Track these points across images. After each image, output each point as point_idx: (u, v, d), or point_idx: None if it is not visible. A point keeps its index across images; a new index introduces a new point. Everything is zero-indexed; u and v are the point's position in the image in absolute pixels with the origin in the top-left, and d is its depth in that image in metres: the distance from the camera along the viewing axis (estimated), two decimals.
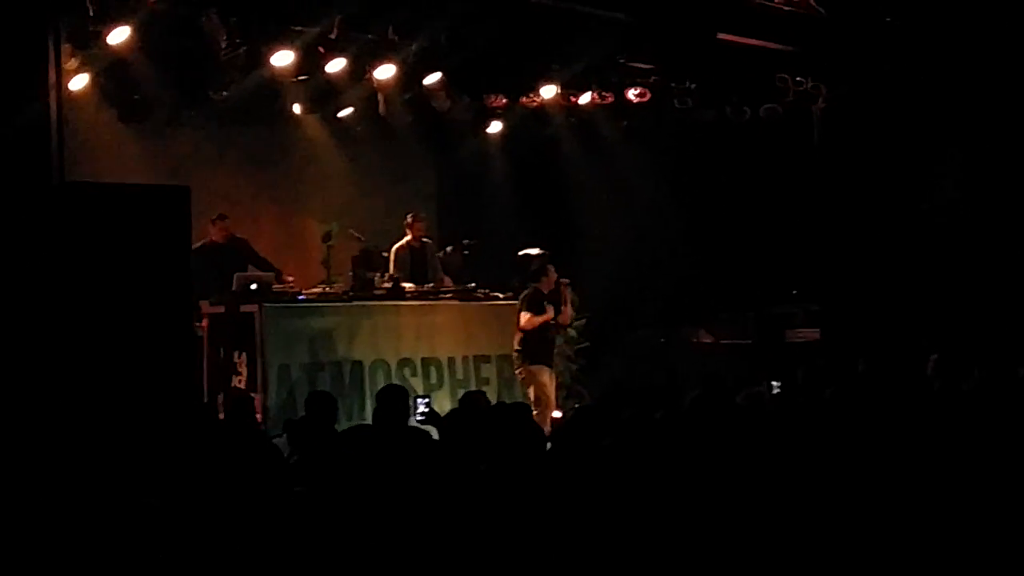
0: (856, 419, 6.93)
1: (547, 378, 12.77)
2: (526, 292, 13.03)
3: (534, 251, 14.37)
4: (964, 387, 8.65)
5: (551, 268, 13.07)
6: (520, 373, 12.86)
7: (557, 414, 12.43)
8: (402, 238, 13.88)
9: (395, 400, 8.13)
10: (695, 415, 7.22)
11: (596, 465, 5.51)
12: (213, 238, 13.26)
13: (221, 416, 11.49)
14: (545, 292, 12.92)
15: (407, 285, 13.32)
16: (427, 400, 9.58)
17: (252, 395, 11.52)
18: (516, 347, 12.90)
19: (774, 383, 9.19)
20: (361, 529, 5.48)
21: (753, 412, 7.81)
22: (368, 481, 6.04)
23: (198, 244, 12.74)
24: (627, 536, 4.88)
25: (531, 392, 12.69)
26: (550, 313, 12.85)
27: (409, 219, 13.96)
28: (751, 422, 7.13)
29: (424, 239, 14.05)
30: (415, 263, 13.78)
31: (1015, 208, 13.68)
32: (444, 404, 11.44)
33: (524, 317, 12.81)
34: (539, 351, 12.81)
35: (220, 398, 12.11)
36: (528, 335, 12.80)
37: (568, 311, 13.19)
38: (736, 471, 5.61)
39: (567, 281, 13.18)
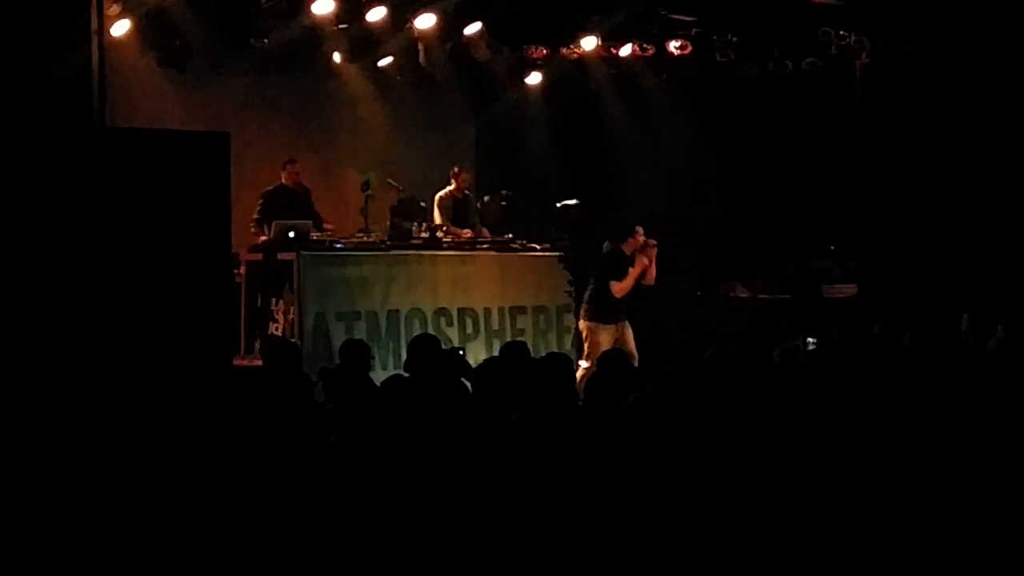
0: (887, 379, 6.91)
1: (605, 337, 12.33)
2: (607, 251, 12.76)
3: (572, 202, 14.38)
4: (990, 346, 8.59)
5: (639, 229, 12.67)
6: (582, 328, 12.77)
7: (584, 364, 12.24)
8: (445, 187, 13.95)
9: (427, 349, 8.19)
10: (711, 373, 7.21)
11: (617, 421, 5.52)
12: (284, 181, 13.41)
13: (259, 363, 11.64)
14: (628, 253, 12.60)
15: (460, 231, 13.47)
16: (462, 352, 9.61)
17: (295, 342, 11.64)
18: (584, 302, 12.73)
19: (810, 339, 9.16)
20: (393, 477, 5.52)
21: (774, 371, 7.79)
22: (401, 429, 6.08)
23: (270, 187, 13.23)
24: (643, 499, 4.90)
25: (586, 347, 12.55)
26: (629, 279, 12.54)
27: (456, 169, 14.12)
28: (772, 381, 7.12)
29: (466, 191, 14.14)
30: (457, 212, 13.88)
31: None
32: (479, 355, 11.49)
33: (615, 286, 12.47)
34: (603, 309, 12.50)
35: (257, 345, 12.22)
36: (595, 290, 12.60)
37: (654, 272, 12.74)
38: (757, 430, 5.61)
39: (655, 243, 12.74)
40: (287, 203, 13.15)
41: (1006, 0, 13.40)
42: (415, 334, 12.29)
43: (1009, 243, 13.51)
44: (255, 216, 12.93)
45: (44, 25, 8.59)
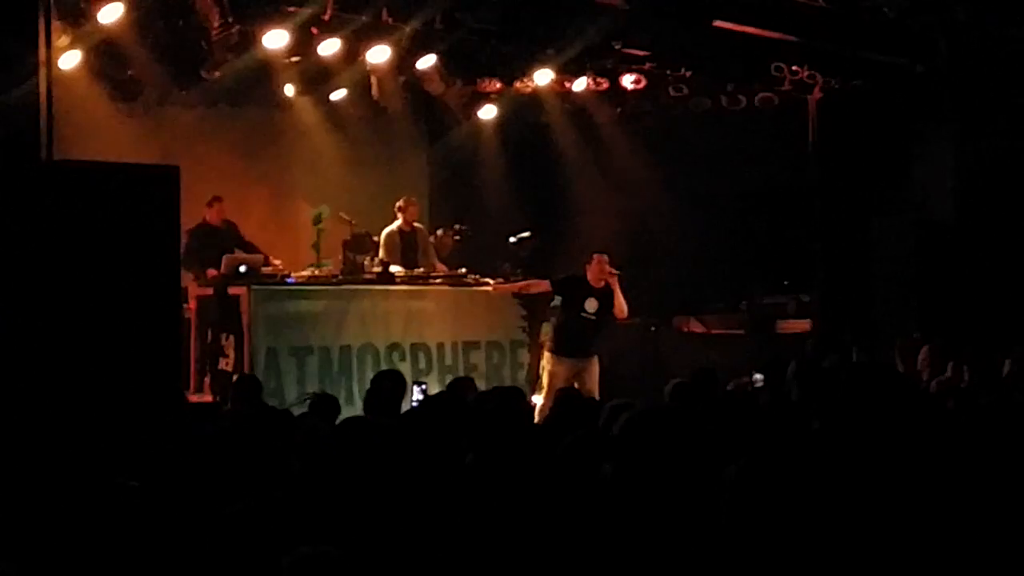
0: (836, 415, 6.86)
1: (559, 370, 12.23)
2: (567, 276, 12.71)
3: (525, 235, 14.36)
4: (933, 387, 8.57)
5: (596, 257, 12.47)
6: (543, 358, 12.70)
7: (537, 399, 12.07)
8: (393, 222, 13.81)
9: (390, 385, 8.11)
10: (674, 406, 7.16)
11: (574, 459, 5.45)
12: (208, 219, 13.24)
13: (209, 398, 11.53)
14: (591, 281, 12.39)
15: (397, 270, 13.26)
16: (423, 387, 9.52)
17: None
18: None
19: (757, 376, 9.10)
20: (345, 515, 5.43)
21: (736, 406, 7.74)
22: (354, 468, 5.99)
23: (193, 225, 12.87)
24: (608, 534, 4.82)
25: (544, 379, 12.48)
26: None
27: (401, 203, 13.87)
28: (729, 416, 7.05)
29: (416, 224, 13.98)
30: (405, 248, 13.72)
31: (1008, 200, 13.66)
32: (433, 390, 11.38)
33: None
34: (559, 341, 12.43)
35: (207, 380, 12.10)
36: (559, 322, 12.55)
37: (621, 302, 12.49)
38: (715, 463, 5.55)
39: (614, 272, 12.47)
40: (212, 241, 12.98)
41: (957, 34, 13.50)
42: (368, 369, 12.27)
43: (963, 275, 13.57)
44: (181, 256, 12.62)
45: None
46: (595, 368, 12.45)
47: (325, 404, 8.24)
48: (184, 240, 12.57)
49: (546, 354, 12.51)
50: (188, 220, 11.46)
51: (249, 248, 13.12)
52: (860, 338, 12.83)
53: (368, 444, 6.26)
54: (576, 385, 11.93)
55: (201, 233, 13.02)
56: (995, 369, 9.30)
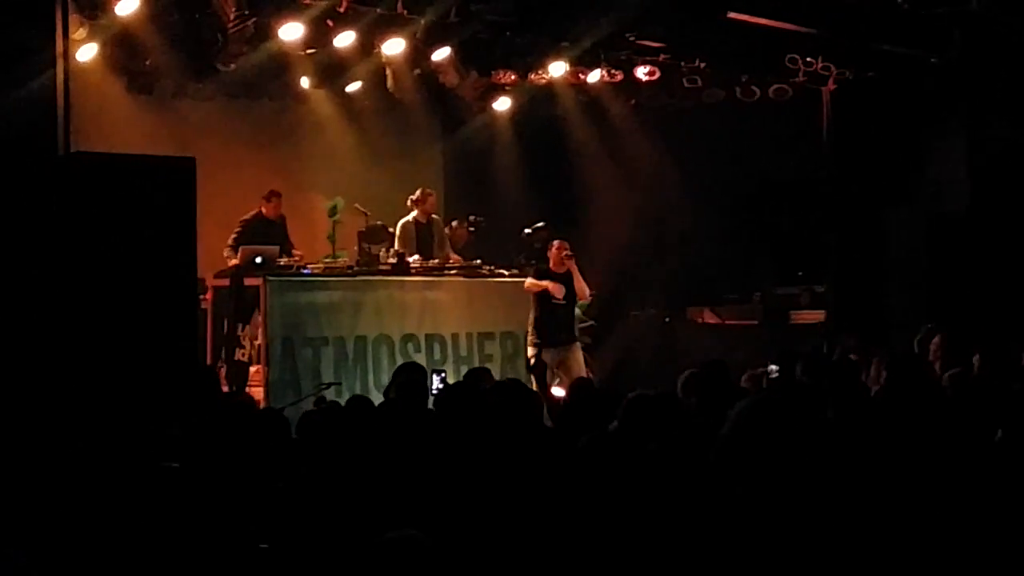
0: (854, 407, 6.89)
1: (539, 360, 12.43)
2: (534, 269, 13.02)
3: (539, 225, 14.40)
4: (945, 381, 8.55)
5: (554, 243, 12.88)
6: (529, 355, 12.82)
7: (559, 392, 12.22)
8: (408, 214, 13.85)
9: (420, 378, 8.16)
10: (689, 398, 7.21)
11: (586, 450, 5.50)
12: (264, 211, 13.42)
13: (225, 388, 11.59)
14: (554, 268, 12.75)
15: (413, 260, 13.31)
16: (443, 375, 9.58)
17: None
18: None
19: (772, 367, 9.12)
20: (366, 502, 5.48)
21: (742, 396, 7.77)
22: (372, 457, 6.04)
23: (248, 216, 13.30)
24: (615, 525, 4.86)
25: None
26: (551, 287, 12.69)
27: (418, 195, 13.92)
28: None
29: (432, 216, 14.03)
30: (421, 239, 13.75)
31: (1021, 191, 13.64)
32: (448, 381, 11.43)
33: (527, 281, 12.88)
34: (538, 332, 12.68)
35: (223, 371, 12.16)
36: (535, 315, 12.73)
37: (582, 284, 12.85)
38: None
39: (570, 254, 12.83)
40: (264, 233, 13.14)
41: (971, 26, 13.48)
42: (383, 360, 12.32)
43: (976, 266, 13.56)
44: (230, 243, 12.85)
45: (8, 50, 8.55)
46: (578, 354, 12.78)
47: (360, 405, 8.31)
48: (237, 228, 12.95)
49: (529, 349, 12.68)
50: (203, 212, 11.55)
51: (288, 245, 13.21)
52: (876, 331, 12.84)
53: (388, 434, 6.33)
54: (562, 372, 12.13)
55: (254, 224, 13.23)
56: (1008, 359, 9.29)
